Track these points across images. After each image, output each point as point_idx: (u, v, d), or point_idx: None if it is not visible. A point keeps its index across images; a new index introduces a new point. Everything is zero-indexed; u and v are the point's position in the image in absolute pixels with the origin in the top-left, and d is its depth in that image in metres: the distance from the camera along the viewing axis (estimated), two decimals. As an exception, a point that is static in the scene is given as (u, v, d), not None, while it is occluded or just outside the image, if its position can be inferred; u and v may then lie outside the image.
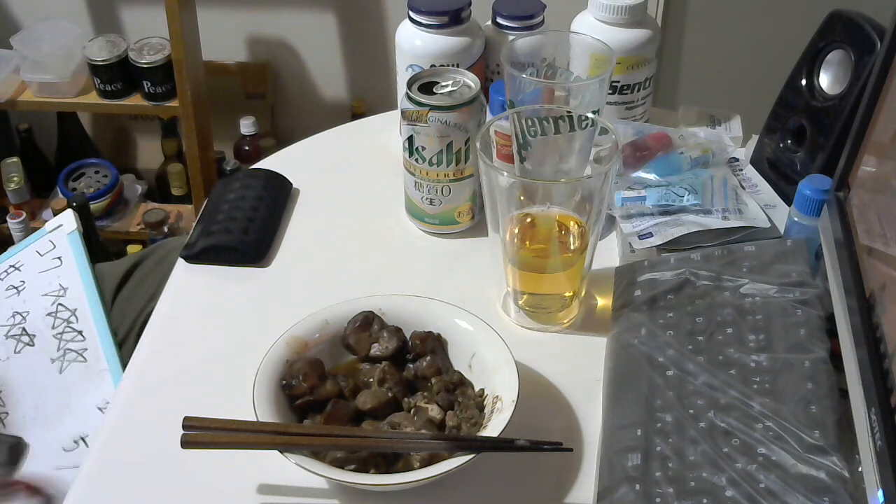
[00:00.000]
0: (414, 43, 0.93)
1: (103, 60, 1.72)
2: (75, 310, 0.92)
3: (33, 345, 0.90)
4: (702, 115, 0.98)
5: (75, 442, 0.83)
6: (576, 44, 0.85)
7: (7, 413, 0.86)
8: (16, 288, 0.94)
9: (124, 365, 0.86)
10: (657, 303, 0.72)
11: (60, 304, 0.92)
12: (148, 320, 0.80)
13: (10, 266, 0.97)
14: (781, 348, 0.65)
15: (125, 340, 0.92)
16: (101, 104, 1.79)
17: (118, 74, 1.74)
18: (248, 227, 0.86)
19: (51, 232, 0.99)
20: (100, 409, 0.84)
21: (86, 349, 0.89)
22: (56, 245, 0.97)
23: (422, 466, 0.61)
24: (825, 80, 0.85)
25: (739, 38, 1.85)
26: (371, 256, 0.86)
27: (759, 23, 1.82)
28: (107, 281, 0.98)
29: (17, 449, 0.84)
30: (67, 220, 1.00)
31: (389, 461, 0.63)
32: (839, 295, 0.63)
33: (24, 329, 0.91)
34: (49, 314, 0.92)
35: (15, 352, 0.90)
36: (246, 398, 0.63)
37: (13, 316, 0.93)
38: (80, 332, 0.90)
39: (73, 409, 0.85)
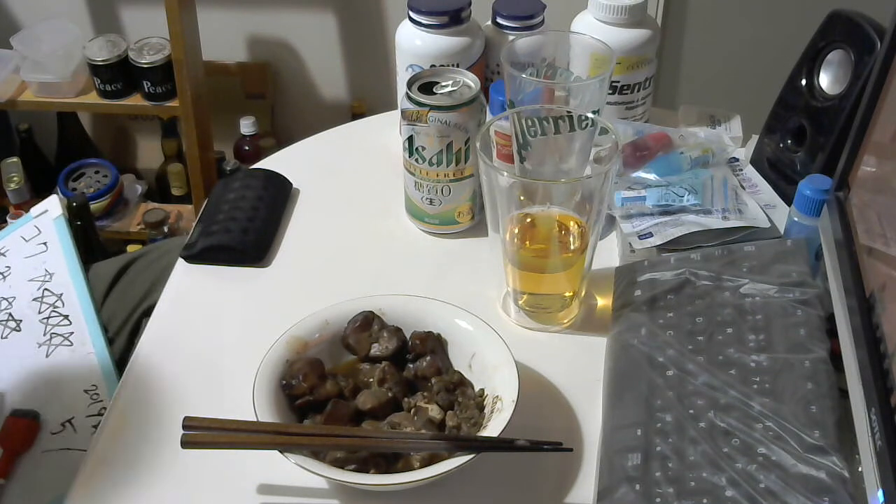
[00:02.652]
0: (414, 43, 0.93)
1: (103, 60, 1.72)
2: (61, 294, 0.92)
3: (20, 330, 0.90)
4: (702, 115, 0.98)
5: (62, 425, 0.83)
6: (576, 44, 0.85)
7: None
8: (1, 274, 0.94)
9: (114, 358, 0.86)
10: (657, 303, 0.72)
11: (46, 289, 0.92)
12: (140, 318, 0.80)
13: None
14: (781, 348, 0.65)
15: (116, 337, 0.92)
16: (101, 104, 1.79)
17: (118, 74, 1.74)
18: (248, 227, 0.86)
19: (36, 217, 0.99)
20: (86, 392, 0.84)
21: (72, 333, 0.89)
22: (41, 230, 0.97)
23: (422, 466, 0.61)
24: (825, 80, 0.85)
25: (739, 38, 1.85)
26: (371, 256, 0.86)
27: (759, 23, 1.82)
28: (100, 278, 0.98)
29: None
30: (53, 206, 1.00)
31: (389, 461, 0.63)
32: (839, 295, 0.63)
33: (10, 314, 0.91)
34: (35, 299, 0.92)
35: (2, 337, 0.90)
36: (246, 398, 0.63)
37: None
38: (67, 317, 0.90)
39: (60, 393, 0.85)
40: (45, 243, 0.96)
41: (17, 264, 0.95)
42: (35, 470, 0.80)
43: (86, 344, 0.88)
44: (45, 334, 0.89)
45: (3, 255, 0.96)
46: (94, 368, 0.86)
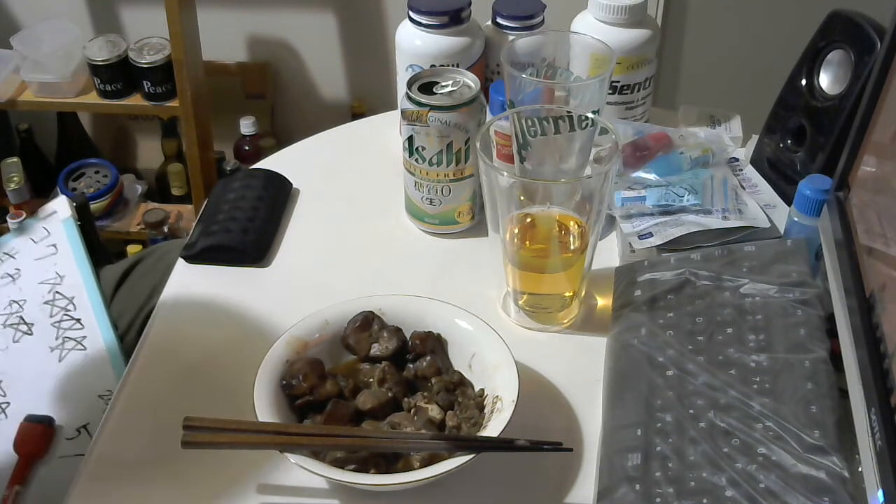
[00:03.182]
0: (414, 43, 0.93)
1: (103, 60, 1.72)
2: (72, 297, 0.91)
3: (32, 333, 0.90)
4: (702, 115, 0.98)
5: (77, 430, 0.83)
6: (576, 44, 0.85)
7: (9, 403, 0.85)
8: (11, 276, 0.94)
9: (125, 358, 0.86)
10: (657, 303, 0.72)
11: (57, 292, 0.92)
12: (145, 319, 0.80)
13: (5, 254, 0.96)
14: (781, 348, 0.65)
15: (123, 339, 0.92)
16: (101, 104, 1.79)
17: (118, 74, 1.74)
18: (248, 227, 0.86)
19: (44, 219, 0.98)
20: (101, 397, 0.84)
21: (84, 337, 0.88)
22: (51, 232, 0.96)
23: (422, 466, 0.61)
24: (825, 80, 0.85)
25: (739, 38, 1.85)
26: (371, 256, 0.86)
27: (759, 23, 1.82)
28: (104, 282, 0.97)
29: None
30: (62, 207, 0.99)
31: (389, 461, 0.63)
32: (839, 295, 0.63)
33: (21, 318, 0.91)
34: (46, 302, 0.91)
35: (14, 341, 0.89)
36: (246, 398, 0.63)
37: (10, 304, 0.92)
38: (79, 321, 0.89)
39: (74, 398, 0.85)
40: (54, 245, 0.95)
41: (26, 267, 0.95)
42: (51, 476, 0.80)
43: (99, 348, 0.88)
44: (57, 338, 0.89)
45: (12, 257, 0.96)
46: (109, 373, 0.86)
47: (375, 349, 0.70)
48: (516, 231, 0.74)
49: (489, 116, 0.87)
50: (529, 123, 0.76)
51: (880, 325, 0.57)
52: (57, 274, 0.93)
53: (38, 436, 0.81)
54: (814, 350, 0.64)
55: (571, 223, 0.74)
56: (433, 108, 0.79)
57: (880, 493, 0.49)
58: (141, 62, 1.72)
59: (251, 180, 0.92)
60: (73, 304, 0.91)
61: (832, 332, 0.65)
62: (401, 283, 0.79)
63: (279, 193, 0.93)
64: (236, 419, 0.62)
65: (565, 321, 0.78)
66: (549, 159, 0.79)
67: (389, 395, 0.67)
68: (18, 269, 0.94)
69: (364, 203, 0.93)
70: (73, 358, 0.87)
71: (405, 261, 0.86)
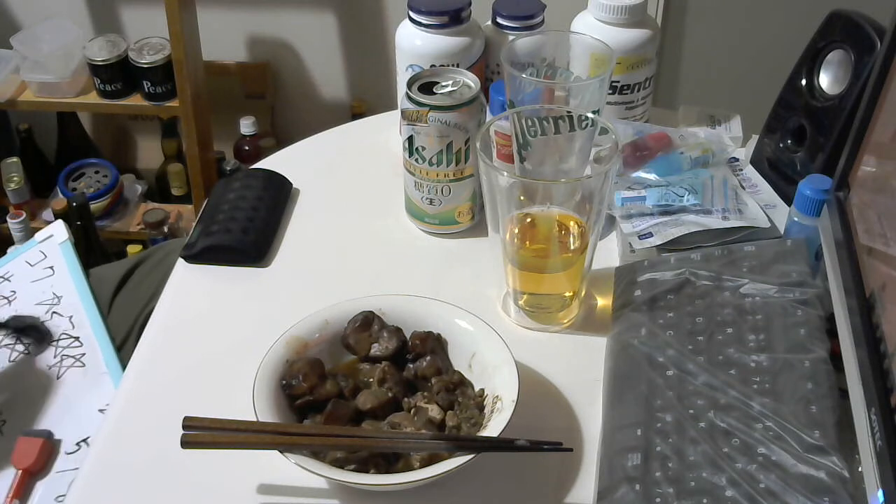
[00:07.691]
0: (414, 43, 0.93)
1: (103, 60, 1.72)
2: (70, 317, 0.92)
3: (28, 353, 0.90)
4: (702, 115, 0.98)
5: (77, 445, 0.83)
6: (576, 44, 0.86)
7: (5, 421, 0.86)
8: (6, 298, 0.94)
9: (124, 368, 0.86)
10: (657, 303, 0.72)
11: (55, 313, 0.92)
12: (147, 321, 0.80)
13: (0, 277, 0.97)
14: (781, 348, 0.65)
15: (125, 342, 0.92)
16: (101, 104, 1.79)
17: (118, 74, 1.74)
18: (248, 227, 0.86)
19: (41, 242, 0.99)
20: (101, 411, 0.84)
21: (84, 354, 0.89)
22: (47, 255, 0.97)
23: (422, 466, 0.61)
24: (825, 80, 0.85)
25: (739, 38, 1.85)
26: (371, 256, 0.86)
27: (759, 23, 1.82)
28: (105, 283, 0.97)
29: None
30: (58, 231, 1.00)
31: (389, 461, 0.63)
32: (839, 295, 0.63)
33: (18, 338, 0.91)
34: (44, 322, 0.92)
35: (9, 360, 0.90)
36: (246, 398, 0.63)
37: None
38: (77, 339, 0.90)
39: (73, 413, 0.85)
40: (51, 267, 0.96)
41: (22, 289, 0.95)
42: (50, 490, 0.80)
43: (98, 364, 0.88)
44: (55, 356, 0.89)
45: (7, 279, 0.96)
46: (109, 388, 0.86)
47: (375, 349, 0.70)
48: (516, 231, 0.74)
49: (489, 116, 0.87)
50: (529, 123, 0.76)
51: (880, 325, 0.57)
52: (54, 294, 0.94)
53: (36, 450, 0.81)
54: (814, 350, 0.64)
55: (571, 223, 0.74)
56: (433, 108, 0.79)
57: (880, 493, 0.49)
58: (141, 62, 1.72)
59: (251, 180, 0.92)
60: (72, 323, 0.91)
61: (832, 332, 0.65)
62: (401, 283, 0.79)
63: (279, 193, 0.93)
64: (236, 419, 0.62)
65: (565, 321, 0.78)
66: (549, 159, 0.79)
67: (389, 395, 0.67)
68: (14, 292, 0.95)
69: (364, 203, 0.93)
70: (72, 374, 0.88)
71: (405, 261, 0.86)
